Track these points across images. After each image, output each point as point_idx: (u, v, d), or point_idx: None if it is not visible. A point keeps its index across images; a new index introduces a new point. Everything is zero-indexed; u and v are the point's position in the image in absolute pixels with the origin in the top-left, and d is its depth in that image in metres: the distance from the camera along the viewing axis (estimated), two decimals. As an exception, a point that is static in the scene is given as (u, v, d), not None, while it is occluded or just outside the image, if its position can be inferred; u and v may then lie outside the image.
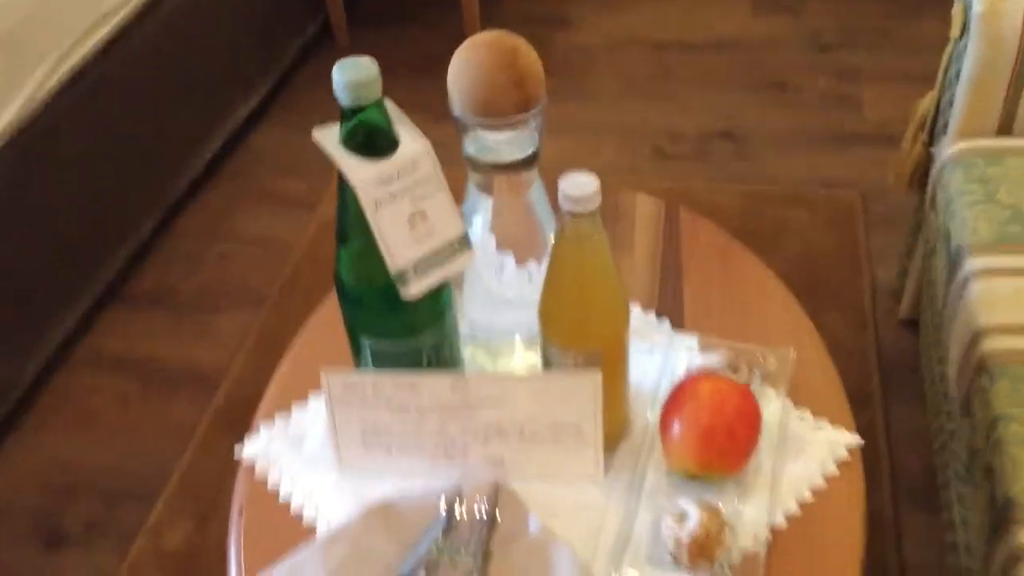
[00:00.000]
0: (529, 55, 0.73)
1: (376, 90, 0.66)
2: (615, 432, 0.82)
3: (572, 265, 0.72)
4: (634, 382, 0.84)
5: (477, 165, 0.77)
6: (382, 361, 0.77)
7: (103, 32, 1.70)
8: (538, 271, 0.81)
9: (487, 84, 0.71)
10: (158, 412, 1.62)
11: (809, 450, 0.80)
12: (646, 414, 0.84)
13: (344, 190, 0.69)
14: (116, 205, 1.78)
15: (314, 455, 0.84)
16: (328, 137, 0.68)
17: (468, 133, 0.76)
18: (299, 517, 0.79)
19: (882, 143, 1.99)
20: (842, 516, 0.76)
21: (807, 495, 0.77)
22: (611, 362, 0.76)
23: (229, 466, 0.86)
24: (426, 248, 0.69)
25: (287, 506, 0.80)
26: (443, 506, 0.76)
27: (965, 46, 1.32)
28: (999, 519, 0.90)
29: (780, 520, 0.75)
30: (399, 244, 0.68)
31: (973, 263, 1.13)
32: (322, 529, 0.78)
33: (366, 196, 0.67)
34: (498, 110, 0.72)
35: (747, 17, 2.43)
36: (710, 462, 0.74)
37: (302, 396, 0.89)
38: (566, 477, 0.79)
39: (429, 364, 0.77)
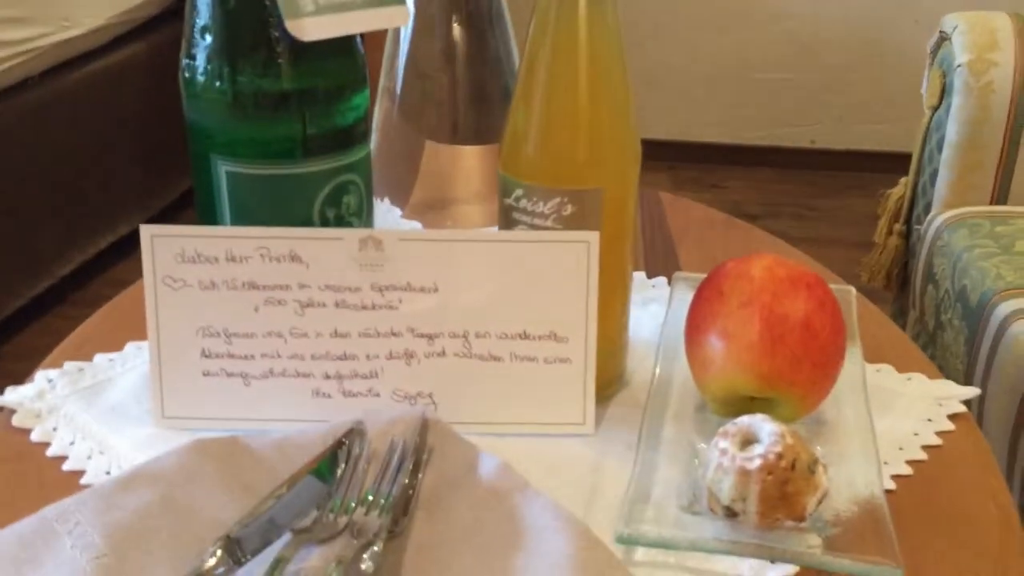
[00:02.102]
0: None
1: None
2: (608, 376, 0.52)
3: (561, 50, 0.46)
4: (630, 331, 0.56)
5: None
6: (246, 206, 0.48)
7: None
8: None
9: None
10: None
11: (904, 404, 0.52)
12: (649, 367, 0.55)
13: None
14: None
15: (119, 404, 0.51)
16: None
17: None
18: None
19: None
20: (974, 478, 0.47)
21: (921, 454, 0.48)
22: (613, 230, 0.49)
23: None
24: (337, -28, 0.43)
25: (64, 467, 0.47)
26: (330, 441, 0.44)
27: (946, 114, 1.17)
28: None
29: (888, 483, 0.46)
30: (293, -53, 0.42)
31: (1007, 306, 0.91)
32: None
33: None
34: None
35: (667, 189, 2.33)
36: (778, 373, 0.45)
37: (116, 347, 0.58)
38: (533, 428, 0.49)
39: (323, 219, 0.48)
